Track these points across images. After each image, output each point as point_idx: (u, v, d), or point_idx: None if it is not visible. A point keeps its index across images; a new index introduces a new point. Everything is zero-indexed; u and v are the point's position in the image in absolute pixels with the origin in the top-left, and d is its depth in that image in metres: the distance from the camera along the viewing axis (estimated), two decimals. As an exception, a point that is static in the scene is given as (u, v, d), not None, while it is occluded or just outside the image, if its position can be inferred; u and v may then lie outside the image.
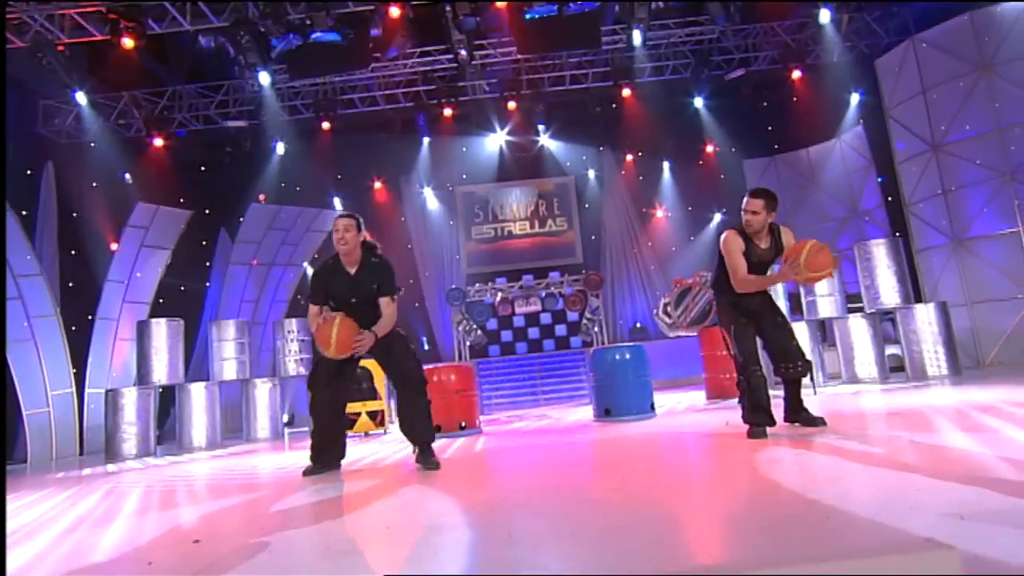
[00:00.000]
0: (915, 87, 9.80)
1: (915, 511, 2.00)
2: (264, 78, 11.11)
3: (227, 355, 9.54)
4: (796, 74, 12.24)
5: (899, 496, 2.27)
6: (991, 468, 2.44)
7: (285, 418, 10.26)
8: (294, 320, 10.18)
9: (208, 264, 13.11)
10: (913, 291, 8.55)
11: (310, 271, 14.39)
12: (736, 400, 4.28)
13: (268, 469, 5.24)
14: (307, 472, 4.26)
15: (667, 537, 1.99)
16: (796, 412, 4.27)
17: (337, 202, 14.38)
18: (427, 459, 4.12)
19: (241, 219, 12.81)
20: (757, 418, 4.07)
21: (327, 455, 4.32)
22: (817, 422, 4.14)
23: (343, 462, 4.50)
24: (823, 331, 9.79)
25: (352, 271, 4.14)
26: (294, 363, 9.87)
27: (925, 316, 7.88)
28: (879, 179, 11.90)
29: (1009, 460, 2.53)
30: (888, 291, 8.25)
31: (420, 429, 4.21)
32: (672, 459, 3.89)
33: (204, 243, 12.97)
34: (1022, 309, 8.71)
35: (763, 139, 13.87)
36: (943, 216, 9.58)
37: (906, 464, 2.80)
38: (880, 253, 8.32)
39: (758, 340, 4.21)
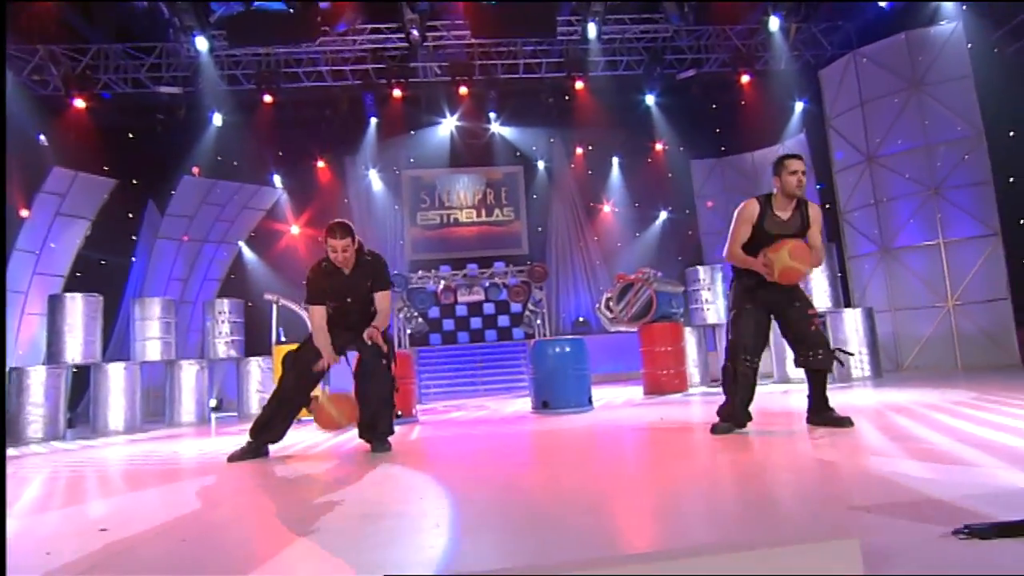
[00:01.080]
0: (854, 99, 10.27)
1: (827, 505, 2.12)
2: (201, 43, 10.66)
3: (151, 334, 9.15)
4: (745, 79, 12.61)
5: (815, 490, 2.40)
6: (900, 465, 2.60)
7: (212, 402, 9.94)
8: (226, 300, 9.86)
9: (134, 238, 12.52)
10: (843, 296, 8.99)
11: (246, 250, 13.98)
12: (676, 395, 4.30)
13: (191, 455, 5.07)
14: (232, 458, 4.16)
15: (590, 527, 2.04)
16: (819, 411, 3.88)
17: (277, 179, 13.99)
18: (380, 445, 4.19)
19: (172, 192, 12.27)
20: (727, 413, 3.90)
21: (266, 435, 4.25)
22: (844, 422, 3.72)
23: (272, 448, 4.40)
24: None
25: (347, 271, 4.24)
26: (224, 345, 9.56)
27: (853, 320, 8.30)
28: (818, 186, 12.42)
29: (916, 458, 2.71)
30: (820, 294, 8.65)
31: (382, 431, 4.26)
32: (605, 452, 3.98)
33: (130, 215, 12.36)
34: (938, 316, 9.30)
35: (711, 140, 14.26)
36: (874, 225, 10.10)
37: (825, 460, 2.95)
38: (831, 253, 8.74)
39: (777, 331, 4.00)
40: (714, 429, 3.91)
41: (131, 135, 12.30)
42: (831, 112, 10.74)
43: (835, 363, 3.83)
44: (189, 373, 9.18)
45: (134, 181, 11.85)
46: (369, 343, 4.15)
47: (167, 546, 2.12)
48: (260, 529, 2.36)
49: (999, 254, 8.87)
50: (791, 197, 3.86)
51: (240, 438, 5.55)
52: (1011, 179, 8.86)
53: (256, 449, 4.23)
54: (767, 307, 3.89)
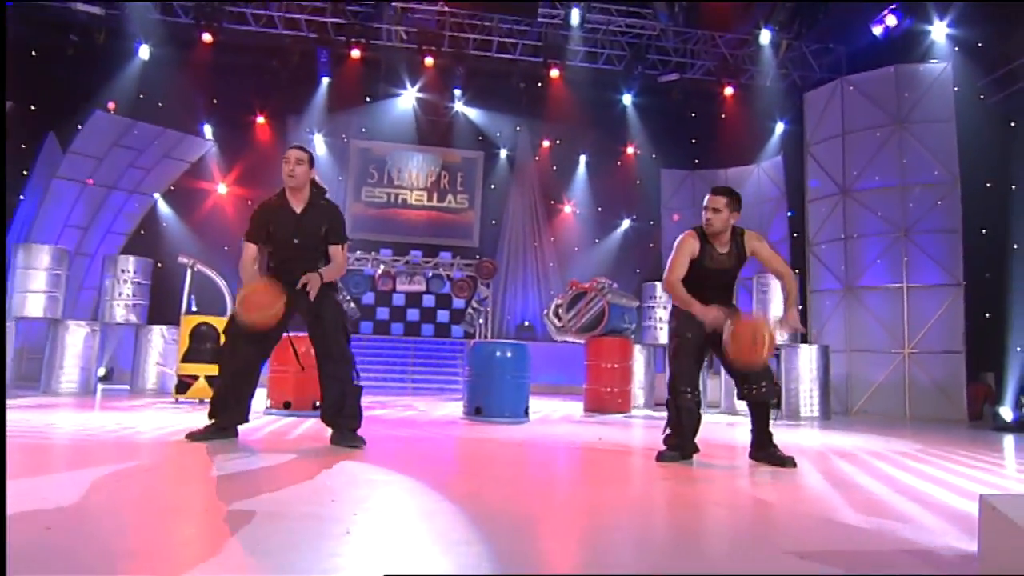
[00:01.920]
0: (836, 128, 10.68)
1: (760, 545, 2.20)
2: (134, -39, 10.18)
3: (34, 287, 8.65)
4: (728, 90, 12.95)
5: (749, 528, 2.49)
6: (837, 513, 2.72)
7: (101, 371, 9.53)
8: (132, 258, 9.43)
9: (25, 172, 11.80)
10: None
11: (161, 203, 13.49)
12: (617, 415, 4.36)
13: (66, 429, 4.85)
14: (194, 436, 3.97)
15: (513, 548, 2.06)
16: (762, 447, 3.99)
17: (208, 130, 13.54)
18: (347, 438, 4.04)
19: (79, 126, 11.63)
20: (673, 441, 3.97)
21: (228, 414, 4.08)
22: (786, 462, 3.85)
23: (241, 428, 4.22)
24: (710, 359, 10.46)
25: (298, 210, 4.06)
26: (123, 308, 9.15)
27: (808, 357, 8.62)
28: (788, 213, 12.85)
29: (854, 507, 2.84)
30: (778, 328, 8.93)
31: (349, 414, 4.08)
32: (537, 469, 4.02)
33: (24, 146, 11.65)
34: (893, 363, 9.76)
35: (685, 151, 14.58)
36: (840, 261, 10.52)
37: (763, 500, 3.06)
38: (776, 288, 9.00)
39: (716, 362, 4.19)
40: (660, 457, 3.99)
41: (34, 53, 11.59)
42: (811, 138, 11.14)
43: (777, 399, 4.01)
44: (76, 336, 8.74)
45: (32, 107, 11.20)
46: (301, 287, 3.84)
47: (29, 535, 2.01)
48: (144, 519, 2.28)
49: (959, 305, 9.37)
50: (711, 233, 3.99)
51: (129, 414, 5.36)
52: (983, 230, 9.36)
53: (219, 429, 4.05)
54: (701, 335, 3.93)
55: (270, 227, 4.06)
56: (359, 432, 4.12)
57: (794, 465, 3.86)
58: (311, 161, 4.11)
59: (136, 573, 1.67)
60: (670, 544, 2.23)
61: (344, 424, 4.08)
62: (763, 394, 3.90)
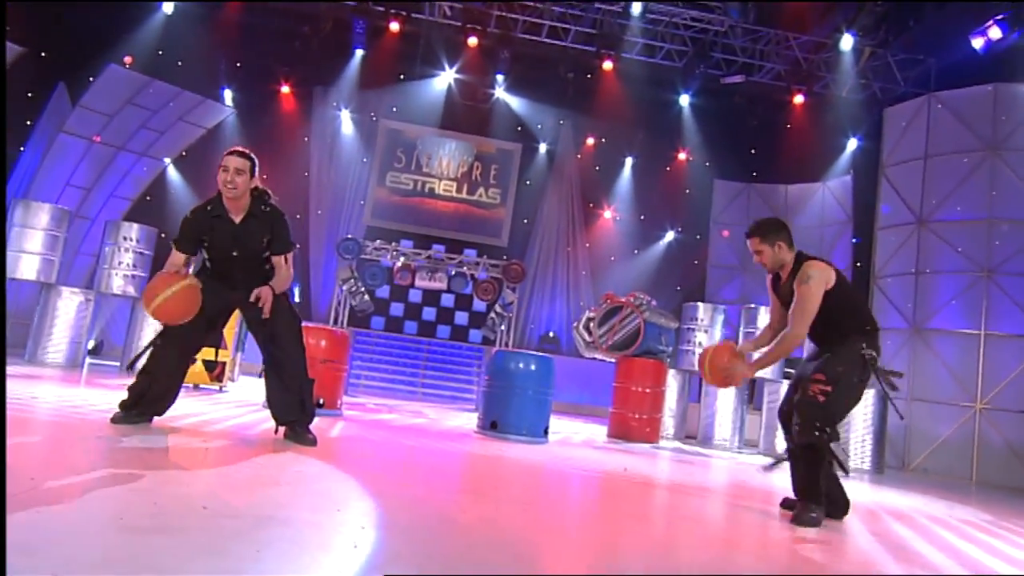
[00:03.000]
0: (918, 149, 10.46)
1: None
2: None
3: (29, 247, 8.80)
4: (798, 98, 12.80)
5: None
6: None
7: (91, 344, 9.65)
8: (136, 226, 9.56)
9: (29, 123, 12.05)
10: (858, 371, 9.12)
11: (171, 169, 13.68)
12: (644, 444, 4.24)
13: (49, 402, 4.91)
14: (116, 419, 4.03)
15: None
16: (798, 497, 3.75)
17: (228, 95, 13.72)
18: (302, 435, 4.12)
19: (92, 79, 11.84)
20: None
21: (146, 408, 4.10)
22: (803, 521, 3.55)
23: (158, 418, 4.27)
24: (751, 393, 10.33)
25: (237, 219, 4.06)
26: (121, 279, 9.27)
27: (863, 402, 8.43)
28: (854, 240, 12.64)
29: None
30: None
31: (309, 412, 4.21)
32: (555, 496, 3.97)
33: (30, 95, 11.87)
34: (961, 418, 9.50)
35: (743, 161, 14.43)
36: (909, 299, 10.29)
37: (807, 557, 2.98)
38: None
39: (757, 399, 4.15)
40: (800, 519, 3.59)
41: None
42: (888, 159, 10.93)
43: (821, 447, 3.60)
44: (69, 304, 8.87)
45: (43, 54, 11.39)
46: (254, 300, 3.93)
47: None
48: (110, 518, 2.27)
49: (1043, 360, 9.11)
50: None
51: (117, 393, 5.41)
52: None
53: (137, 417, 4.08)
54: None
55: (203, 238, 4.08)
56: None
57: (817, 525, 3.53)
58: (252, 170, 4.05)
59: (134, 574, 1.66)
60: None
61: (303, 422, 4.18)
62: (795, 432, 3.66)
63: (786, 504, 3.90)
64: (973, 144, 9.96)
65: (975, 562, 3.26)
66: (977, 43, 10.53)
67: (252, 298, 3.95)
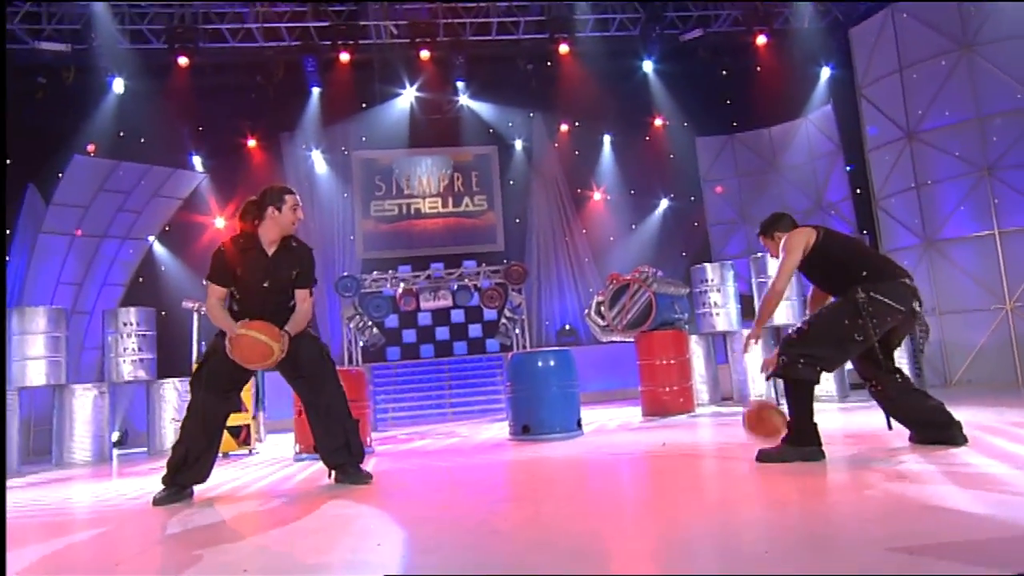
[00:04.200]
0: (892, 64, 10.40)
1: (860, 544, 2.12)
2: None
3: (33, 353, 8.86)
4: (761, 40, 12.76)
5: (846, 525, 2.40)
6: (948, 498, 2.62)
7: (115, 436, 9.73)
8: (133, 310, 9.64)
9: (8, 232, 12.16)
10: (879, 297, 9.07)
11: (157, 246, 13.76)
12: (680, 416, 4.28)
13: (85, 502, 4.94)
14: (158, 499, 4.05)
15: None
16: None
17: (197, 161, 13.78)
18: (355, 475, 4.25)
19: (60, 175, 11.94)
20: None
21: (186, 475, 4.16)
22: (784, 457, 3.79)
23: (198, 488, 4.31)
24: (776, 337, 10.28)
25: (270, 252, 4.25)
26: (130, 364, 9.36)
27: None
28: (847, 167, 12.58)
29: (968, 487, 2.73)
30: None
31: (356, 452, 4.34)
32: (598, 485, 3.96)
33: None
34: (994, 322, 9.42)
35: (720, 114, 14.37)
36: (915, 214, 10.23)
37: (860, 491, 2.96)
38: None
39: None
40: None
41: None
42: (863, 80, 10.88)
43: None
44: (84, 401, 8.94)
45: (7, 161, 11.52)
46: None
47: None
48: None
49: (1066, 244, 9.01)
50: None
51: (149, 479, 5.45)
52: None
53: (177, 493, 4.14)
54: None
55: (238, 270, 4.19)
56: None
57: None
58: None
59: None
60: (759, 547, 2.16)
61: (353, 462, 4.29)
62: (782, 372, 3.89)
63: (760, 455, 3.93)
64: (946, 45, 9.89)
65: (1029, 461, 3.24)
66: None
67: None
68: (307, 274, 4.30)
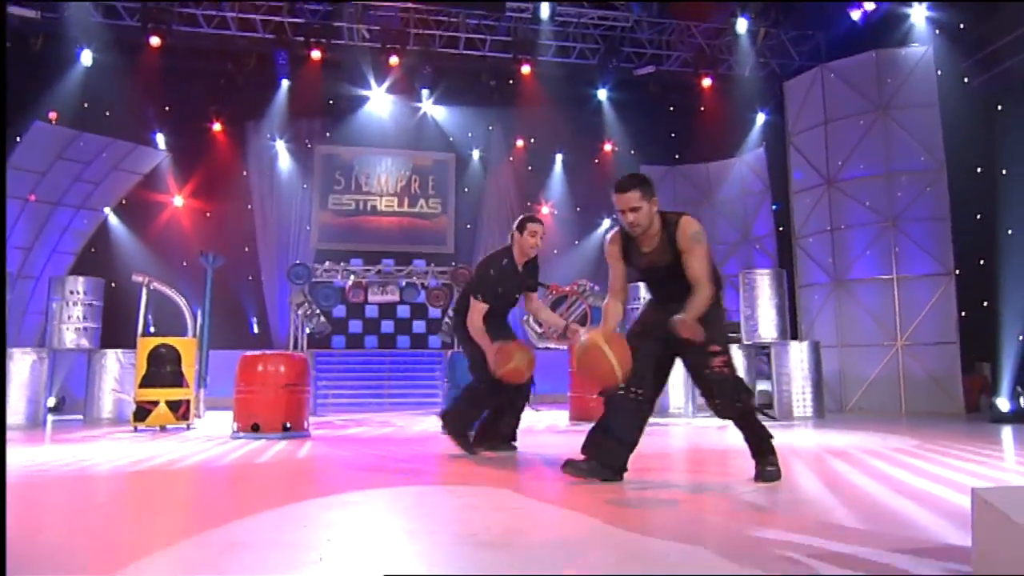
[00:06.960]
0: (818, 116, 10.84)
1: (754, 548, 2.22)
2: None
3: (-29, 315, 8.49)
4: (706, 82, 13.08)
5: (743, 532, 2.51)
6: (832, 513, 2.76)
7: (51, 401, 9.34)
8: (81, 278, 9.26)
9: None
10: (791, 327, 9.43)
11: (113, 218, 13.30)
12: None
13: (13, 466, 4.75)
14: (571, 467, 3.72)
15: (500, 560, 2.06)
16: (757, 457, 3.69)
17: (160, 139, 13.38)
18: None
19: (18, 138, 11.41)
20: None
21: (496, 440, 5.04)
22: (765, 477, 3.56)
23: (132, 459, 4.20)
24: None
25: (520, 267, 4.86)
26: (74, 332, 8.96)
27: (798, 354, 8.71)
28: (773, 206, 13.00)
29: (848, 506, 2.88)
30: (767, 324, 9.03)
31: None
32: (526, 484, 4.01)
33: None
34: (886, 357, 9.90)
35: (664, 145, 14.70)
36: (828, 254, 10.66)
37: (756, 504, 3.09)
38: (764, 284, 9.09)
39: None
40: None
41: None
42: (793, 128, 11.29)
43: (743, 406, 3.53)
44: (22, 364, 8.51)
45: (5, 163, 11.02)
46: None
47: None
48: (101, 557, 2.25)
49: (951, 294, 9.53)
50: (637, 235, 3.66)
51: (80, 447, 5.26)
52: (978, 215, 9.45)
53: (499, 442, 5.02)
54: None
55: (500, 288, 4.72)
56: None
57: (777, 478, 3.55)
58: None
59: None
60: (662, 550, 2.24)
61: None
62: (718, 411, 3.54)
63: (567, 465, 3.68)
64: (865, 106, 10.38)
65: (903, 484, 3.43)
66: (855, 15, 11.05)
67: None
68: (536, 280, 5.12)
